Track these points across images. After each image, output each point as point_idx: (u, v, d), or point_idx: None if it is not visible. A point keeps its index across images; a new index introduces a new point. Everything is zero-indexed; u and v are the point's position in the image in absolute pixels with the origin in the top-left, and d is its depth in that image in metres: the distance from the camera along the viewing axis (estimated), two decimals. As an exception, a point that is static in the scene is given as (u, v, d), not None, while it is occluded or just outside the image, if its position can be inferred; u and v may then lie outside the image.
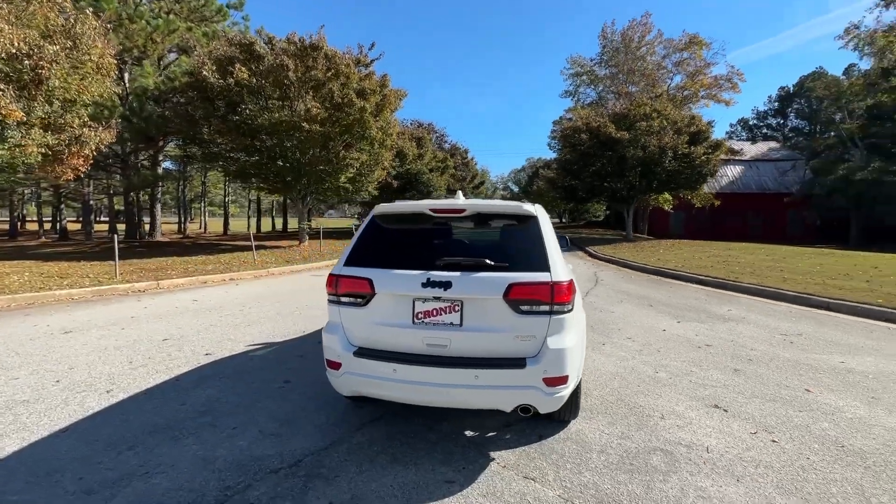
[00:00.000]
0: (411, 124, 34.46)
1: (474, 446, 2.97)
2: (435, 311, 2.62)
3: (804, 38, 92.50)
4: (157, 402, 3.64)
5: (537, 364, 2.52)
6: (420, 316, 2.64)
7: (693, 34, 30.70)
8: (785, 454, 2.88)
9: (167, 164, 29.77)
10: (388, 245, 2.99)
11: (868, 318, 6.75)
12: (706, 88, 31.46)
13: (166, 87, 16.58)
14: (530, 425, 3.23)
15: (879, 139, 29.67)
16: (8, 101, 8.30)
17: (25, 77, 8.71)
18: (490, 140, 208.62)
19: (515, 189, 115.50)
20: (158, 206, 22.78)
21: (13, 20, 8.78)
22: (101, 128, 10.67)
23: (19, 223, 31.00)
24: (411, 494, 2.45)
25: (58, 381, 4.05)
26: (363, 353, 2.71)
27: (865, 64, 33.99)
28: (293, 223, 36.01)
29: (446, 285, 2.57)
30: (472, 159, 43.01)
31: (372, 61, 16.20)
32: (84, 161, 10.54)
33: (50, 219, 33.00)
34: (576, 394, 2.97)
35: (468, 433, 3.15)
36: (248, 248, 16.60)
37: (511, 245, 2.77)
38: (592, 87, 37.75)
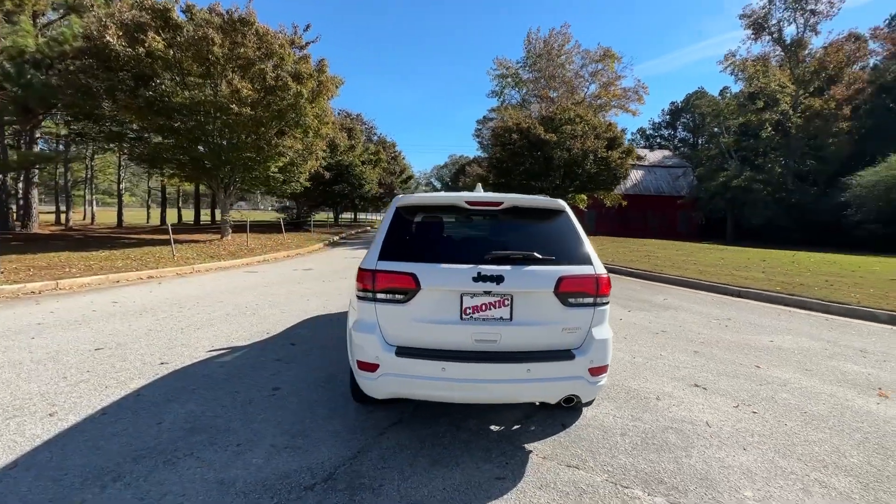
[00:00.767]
0: (339, 114, 33.08)
1: (506, 440, 2.96)
2: (484, 306, 2.56)
3: (690, 60, 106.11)
4: (126, 422, 3.08)
5: (584, 355, 2.58)
6: (469, 311, 2.56)
7: (607, 48, 33.47)
8: (768, 423, 3.30)
9: (42, 144, 25.08)
10: (425, 238, 2.84)
11: (771, 303, 7.99)
12: (617, 99, 34.55)
13: (53, 50, 13.90)
14: (550, 415, 3.31)
15: (748, 153, 35.21)
16: None
17: None
18: (410, 135, 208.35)
19: (438, 185, 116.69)
20: (35, 193, 19.12)
21: None
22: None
23: None
24: (468, 496, 2.38)
25: (-29, 407, 3.24)
26: (406, 352, 2.55)
27: (738, 87, 39.89)
28: (206, 215, 32.66)
29: (498, 279, 2.52)
30: (400, 153, 42.60)
31: (307, 44, 15.18)
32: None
33: None
34: None
35: (494, 428, 3.14)
36: (158, 243, 14.75)
37: (550, 239, 2.79)
38: (517, 89, 39.38)
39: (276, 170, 16.12)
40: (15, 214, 19.71)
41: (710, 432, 3.13)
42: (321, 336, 5.26)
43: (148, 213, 34.18)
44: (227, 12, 13.22)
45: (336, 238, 21.96)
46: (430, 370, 2.51)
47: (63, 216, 28.27)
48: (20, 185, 19.05)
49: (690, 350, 5.06)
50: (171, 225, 27.41)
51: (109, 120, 13.19)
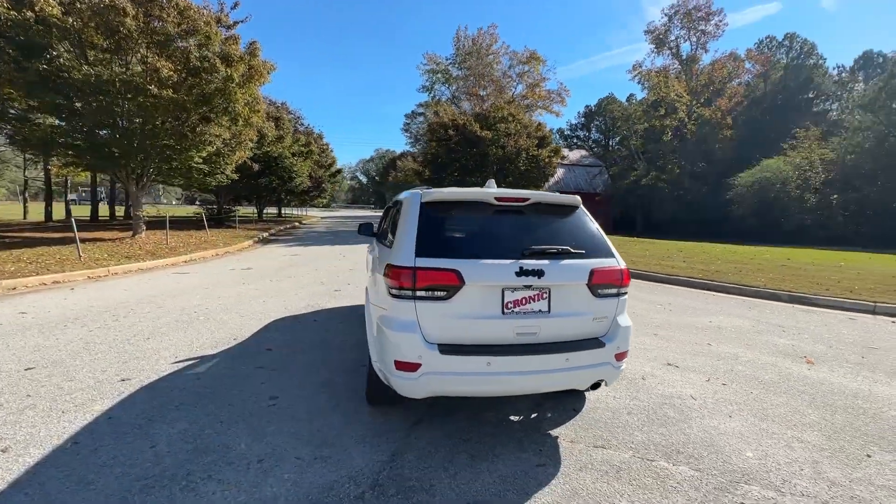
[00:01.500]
0: (264, 101, 30.74)
1: (532, 429, 3.06)
2: (524, 300, 2.61)
3: (597, 68, 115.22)
4: (110, 449, 2.66)
5: (612, 342, 2.76)
6: (510, 305, 2.59)
7: (533, 50, 35.16)
8: (739, 393, 3.78)
9: None
10: (460, 234, 2.81)
11: (697, 288, 9.06)
12: (542, 100, 36.49)
13: None
14: (560, 402, 3.48)
15: (654, 155, 39.24)
16: None
17: None
18: (335, 128, 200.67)
19: (364, 179, 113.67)
20: None
21: None
22: None
23: None
24: (519, 484, 2.43)
25: None
26: (449, 349, 2.52)
27: (643, 95, 44.19)
28: (104, 209, 28.61)
29: (539, 273, 2.58)
30: (328, 146, 40.88)
31: (235, 23, 13.87)
32: None
33: None
34: None
35: (513, 418, 3.23)
36: (52, 242, 12.70)
37: (574, 233, 2.91)
38: (447, 85, 39.81)
39: (201, 160, 14.62)
40: None
41: (698, 405, 3.52)
42: (298, 339, 4.94)
43: (25, 208, 28.99)
44: (141, -21, 11.62)
45: (266, 235, 20.54)
46: (474, 366, 2.51)
47: None
48: None
49: (650, 333, 5.59)
50: (62, 221, 23.54)
51: (-16, 95, 10.95)
